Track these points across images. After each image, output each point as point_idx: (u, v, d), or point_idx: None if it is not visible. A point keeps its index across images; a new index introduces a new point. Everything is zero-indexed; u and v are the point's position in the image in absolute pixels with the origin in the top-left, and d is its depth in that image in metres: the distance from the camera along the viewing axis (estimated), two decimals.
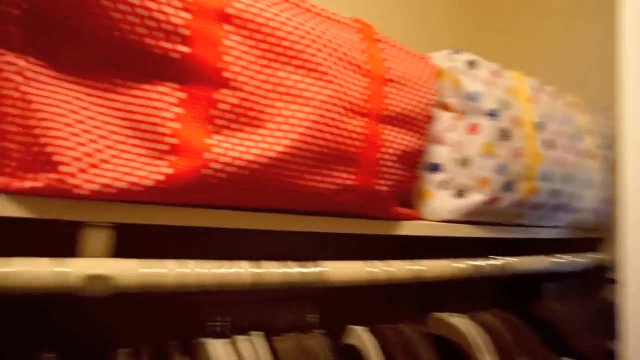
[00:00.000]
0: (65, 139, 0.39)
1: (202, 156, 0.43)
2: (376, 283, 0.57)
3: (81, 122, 0.40)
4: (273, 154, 0.47)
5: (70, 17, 0.39)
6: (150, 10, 0.41)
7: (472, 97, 0.69)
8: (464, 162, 0.69)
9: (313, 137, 0.50)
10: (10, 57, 0.39)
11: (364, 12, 0.90)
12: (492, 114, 0.69)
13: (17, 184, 0.38)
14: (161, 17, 0.41)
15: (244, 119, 0.47)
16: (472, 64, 0.72)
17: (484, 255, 0.73)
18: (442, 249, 0.70)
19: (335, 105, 0.51)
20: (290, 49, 0.49)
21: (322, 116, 0.50)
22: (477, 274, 0.70)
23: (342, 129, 0.53)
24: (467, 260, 0.69)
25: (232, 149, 0.45)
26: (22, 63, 0.39)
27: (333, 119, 0.51)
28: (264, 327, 0.61)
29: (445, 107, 0.71)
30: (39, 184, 0.38)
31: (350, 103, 0.54)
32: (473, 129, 0.69)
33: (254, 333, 0.59)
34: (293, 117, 0.48)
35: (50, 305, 0.54)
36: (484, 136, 0.69)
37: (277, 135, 0.47)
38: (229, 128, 0.46)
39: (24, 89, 0.39)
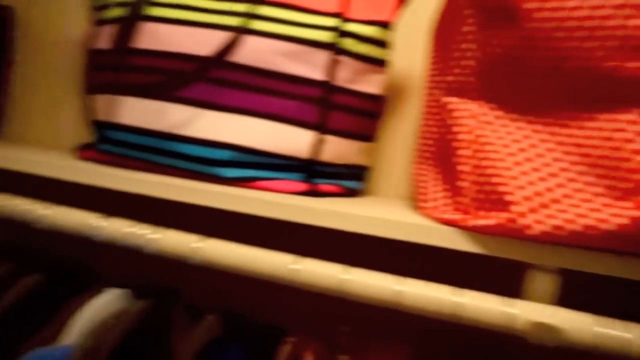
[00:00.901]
0: (516, 178, 0.38)
1: None
2: None
3: (530, 159, 0.39)
4: None
5: (519, 58, 0.39)
6: (625, 27, 0.35)
7: None
8: None
9: None
10: (466, 104, 0.43)
11: None
12: None
13: (470, 222, 0.40)
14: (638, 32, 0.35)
15: None
16: None
17: None
18: None
19: None
20: None
21: None
22: None
23: None
24: None
25: None
26: (475, 107, 0.43)
27: None
28: None
29: None
30: (490, 222, 0.39)
31: None
32: None
33: None
34: None
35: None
36: None
37: None
38: None
39: (478, 131, 0.42)
